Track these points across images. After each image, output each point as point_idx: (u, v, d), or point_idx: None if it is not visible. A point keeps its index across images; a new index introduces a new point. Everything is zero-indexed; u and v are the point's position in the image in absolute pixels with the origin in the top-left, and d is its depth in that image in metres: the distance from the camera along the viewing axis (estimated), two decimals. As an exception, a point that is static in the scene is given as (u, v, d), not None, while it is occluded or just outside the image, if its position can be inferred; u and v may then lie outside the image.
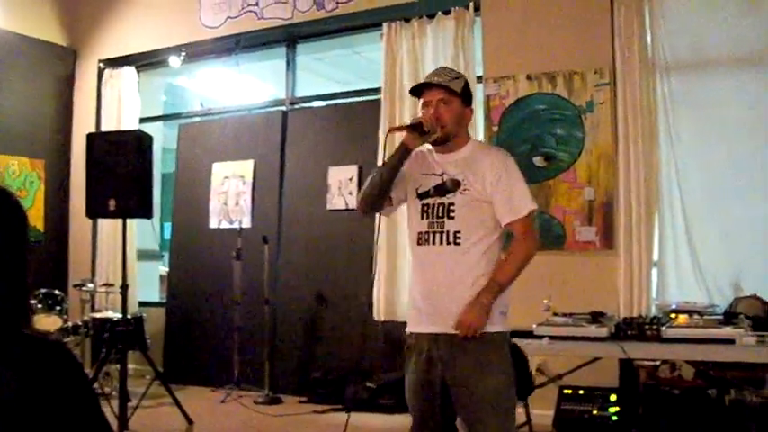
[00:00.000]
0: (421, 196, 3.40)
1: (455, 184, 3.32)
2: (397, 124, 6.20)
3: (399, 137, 3.38)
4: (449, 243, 3.29)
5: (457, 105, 3.36)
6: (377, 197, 3.43)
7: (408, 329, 3.38)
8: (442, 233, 3.31)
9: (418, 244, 3.37)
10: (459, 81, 3.41)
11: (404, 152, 3.34)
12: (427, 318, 3.28)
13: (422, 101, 3.41)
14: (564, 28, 6.27)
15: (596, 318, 4.71)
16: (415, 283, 3.40)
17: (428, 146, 3.41)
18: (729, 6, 5.85)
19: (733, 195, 5.77)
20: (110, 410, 5.54)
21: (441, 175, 3.37)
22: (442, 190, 3.35)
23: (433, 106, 3.35)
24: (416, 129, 3.30)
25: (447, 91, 3.36)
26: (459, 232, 3.28)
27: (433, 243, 3.32)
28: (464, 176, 3.32)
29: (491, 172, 3.30)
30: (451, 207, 3.30)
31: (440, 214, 3.33)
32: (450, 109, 3.35)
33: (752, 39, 5.79)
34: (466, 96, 3.43)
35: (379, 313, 6.83)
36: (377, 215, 3.74)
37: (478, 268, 3.26)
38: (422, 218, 3.36)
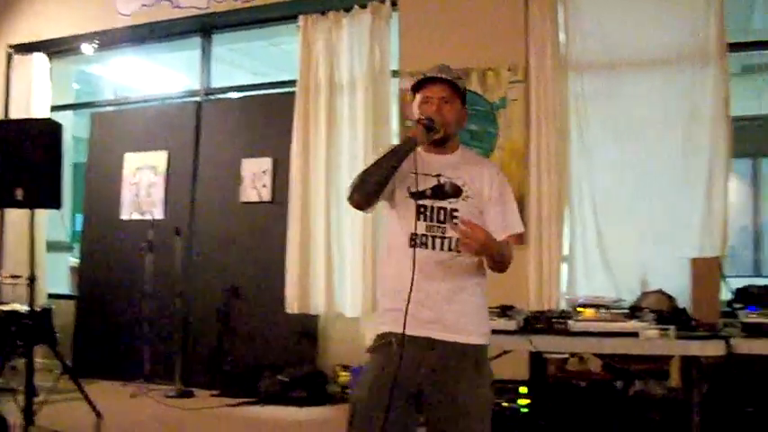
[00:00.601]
0: (415, 196, 3.25)
1: (456, 190, 3.23)
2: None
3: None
4: (450, 250, 3.18)
5: (458, 105, 3.26)
6: (374, 190, 3.22)
7: (386, 329, 3.17)
8: (443, 239, 3.19)
9: (411, 246, 3.19)
10: (460, 81, 3.29)
11: (412, 146, 3.19)
12: (421, 323, 3.09)
13: (420, 96, 3.27)
14: (479, 25, 6.34)
15: (505, 311, 4.77)
16: (402, 284, 3.12)
17: None
18: (639, 10, 5.99)
19: (641, 193, 5.91)
20: (16, 406, 5.41)
21: (436, 176, 3.25)
22: (440, 193, 3.24)
23: (435, 103, 3.22)
24: (429, 125, 3.18)
25: (452, 88, 3.25)
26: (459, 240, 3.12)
27: (433, 248, 3.19)
28: (464, 183, 3.23)
29: (490, 185, 3.23)
30: (455, 213, 3.19)
31: (441, 219, 3.21)
32: (453, 108, 3.24)
33: (660, 42, 5.95)
34: (464, 98, 3.31)
35: (291, 306, 6.81)
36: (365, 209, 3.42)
37: (476, 277, 3.20)
38: (418, 219, 3.21)
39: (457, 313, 3.14)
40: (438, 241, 3.19)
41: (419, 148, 3.23)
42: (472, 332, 3.17)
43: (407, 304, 3.07)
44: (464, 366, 3.11)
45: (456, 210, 3.19)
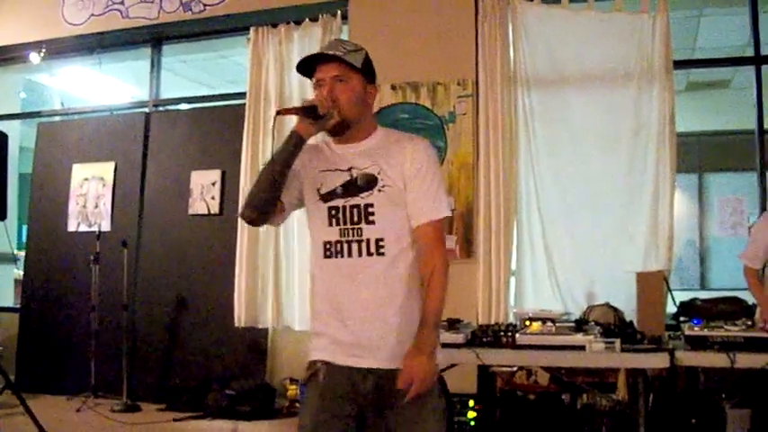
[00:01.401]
0: (325, 197, 2.80)
1: (369, 180, 2.74)
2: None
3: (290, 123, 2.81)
4: (370, 254, 2.71)
5: (357, 83, 2.76)
6: (265, 201, 2.79)
7: (315, 357, 2.76)
8: (360, 242, 2.72)
9: (326, 257, 2.77)
10: (358, 54, 2.79)
11: (297, 142, 2.74)
12: (348, 348, 2.70)
13: (314, 80, 2.79)
14: (429, 39, 6.38)
15: (453, 324, 4.78)
16: (323, 305, 2.79)
17: (323, 135, 2.84)
18: (587, 28, 6.08)
19: (588, 207, 5.99)
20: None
21: (348, 170, 2.78)
22: (352, 188, 2.76)
23: (327, 85, 2.75)
24: (310, 113, 2.72)
25: (344, 65, 2.75)
26: (382, 240, 2.71)
27: (349, 255, 2.73)
28: (379, 169, 2.75)
29: (411, 162, 2.75)
30: (370, 209, 2.73)
31: (355, 219, 2.73)
32: (349, 87, 2.75)
33: (607, 59, 6.05)
34: (368, 72, 2.81)
35: (240, 320, 6.77)
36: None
37: (407, 285, 2.71)
38: (330, 224, 2.76)
39: (385, 332, 2.68)
40: (355, 246, 2.72)
41: (328, 140, 2.87)
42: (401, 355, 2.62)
43: (330, 329, 2.73)
44: (402, 397, 2.58)
45: (371, 204, 2.73)
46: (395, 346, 2.66)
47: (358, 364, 2.68)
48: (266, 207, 2.82)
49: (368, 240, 2.71)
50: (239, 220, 6.81)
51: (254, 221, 2.87)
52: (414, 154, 2.76)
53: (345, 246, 2.73)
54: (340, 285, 2.74)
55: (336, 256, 2.75)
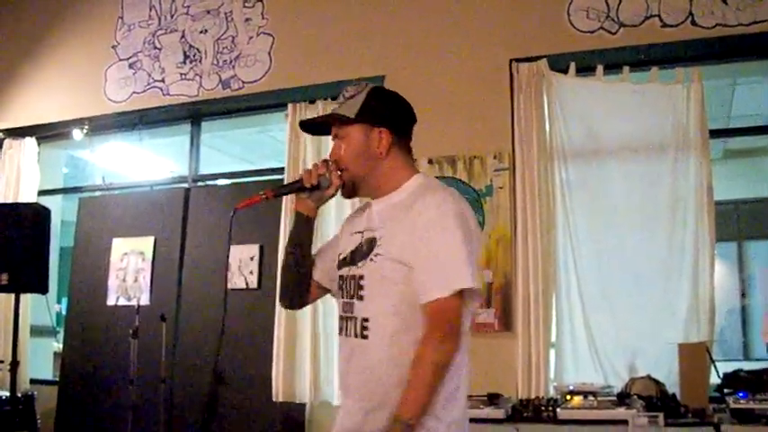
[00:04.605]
0: (339, 265, 2.58)
1: (371, 246, 2.43)
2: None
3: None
4: (356, 335, 2.41)
5: (356, 133, 2.51)
6: (293, 284, 2.65)
7: None
8: (351, 320, 2.45)
9: (339, 332, 2.55)
10: (355, 100, 2.52)
11: (298, 220, 2.60)
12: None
13: None
14: (465, 113, 6.43)
15: (493, 400, 4.76)
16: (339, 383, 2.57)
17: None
18: (621, 100, 6.09)
19: (627, 279, 5.93)
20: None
21: (362, 232, 2.51)
22: (357, 255, 2.49)
23: (334, 147, 2.59)
24: (298, 188, 2.56)
25: (339, 121, 2.54)
26: (366, 320, 2.38)
27: (346, 334, 2.48)
28: (381, 234, 2.42)
29: (419, 223, 2.33)
30: (361, 281, 2.41)
31: (351, 292, 2.45)
32: (346, 142, 2.53)
33: (642, 130, 6.05)
34: (370, 114, 2.50)
35: (278, 394, 6.73)
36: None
37: (388, 378, 2.32)
38: (340, 296, 2.54)
39: (378, 423, 2.30)
40: (351, 324, 2.44)
41: (369, 201, 2.57)
42: None
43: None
44: None
45: (362, 277, 2.41)
46: None
47: None
48: (296, 289, 2.66)
49: (355, 320, 2.42)
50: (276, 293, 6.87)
51: (291, 306, 2.77)
52: (421, 214, 2.33)
53: (344, 322, 2.49)
54: (342, 366, 2.53)
55: (341, 333, 2.52)
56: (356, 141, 2.49)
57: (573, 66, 6.20)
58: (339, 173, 2.51)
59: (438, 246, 2.26)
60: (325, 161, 2.55)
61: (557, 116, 6.22)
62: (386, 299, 2.34)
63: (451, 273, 2.24)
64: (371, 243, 2.41)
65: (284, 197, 5.86)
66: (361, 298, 2.40)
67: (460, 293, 2.25)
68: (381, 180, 2.50)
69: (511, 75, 6.35)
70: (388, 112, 2.54)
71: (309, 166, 2.61)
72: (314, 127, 2.69)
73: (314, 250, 2.79)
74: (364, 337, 2.37)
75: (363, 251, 2.43)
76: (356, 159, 2.48)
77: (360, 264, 2.43)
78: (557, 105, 6.22)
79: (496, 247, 6.14)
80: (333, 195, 2.57)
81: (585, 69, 6.21)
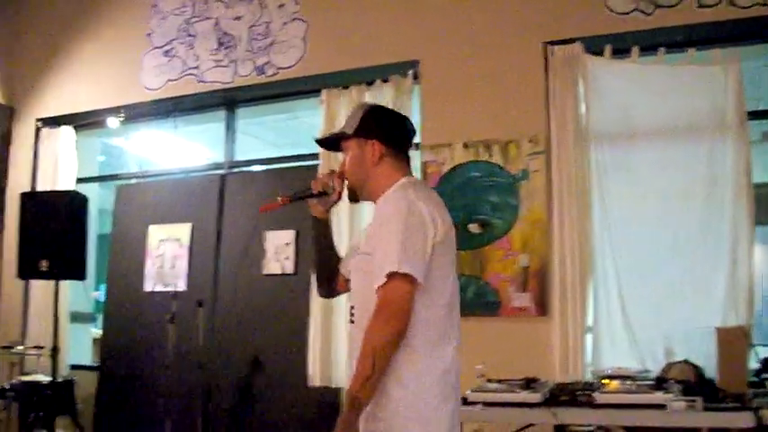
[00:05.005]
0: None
1: (360, 244, 2.89)
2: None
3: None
4: (350, 321, 2.82)
5: (354, 147, 2.87)
6: (323, 278, 3.03)
7: None
8: (349, 308, 2.85)
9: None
10: (353, 118, 2.93)
11: (315, 224, 3.00)
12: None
13: None
14: (500, 98, 6.40)
15: (529, 384, 4.74)
16: None
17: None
18: (658, 81, 6.02)
19: (664, 262, 5.87)
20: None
21: (366, 230, 2.92)
22: (355, 251, 2.92)
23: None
24: (309, 195, 2.95)
25: (342, 138, 2.94)
26: (353, 308, 2.80)
27: (349, 321, 2.85)
28: (368, 231, 2.83)
29: (374, 221, 2.77)
30: (352, 274, 2.87)
31: (349, 284, 2.90)
32: (348, 155, 2.90)
33: (679, 111, 5.98)
34: (364, 130, 2.87)
35: (314, 379, 6.76)
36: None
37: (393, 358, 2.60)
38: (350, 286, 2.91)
39: (372, 411, 2.62)
40: (348, 312, 2.84)
41: None
42: None
43: None
44: None
45: (350, 271, 2.87)
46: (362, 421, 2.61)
47: None
48: (325, 282, 3.04)
49: (350, 307, 2.81)
50: (311, 278, 6.86)
51: (325, 296, 3.16)
52: (377, 213, 2.75)
53: (348, 311, 2.85)
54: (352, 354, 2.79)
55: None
56: (354, 153, 2.86)
57: (608, 48, 6.14)
58: (343, 181, 2.91)
59: (378, 239, 2.62)
60: (332, 171, 3.00)
61: (592, 99, 6.16)
62: (363, 288, 2.69)
63: (385, 262, 2.55)
64: (361, 242, 2.84)
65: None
66: (349, 289, 2.85)
67: (404, 279, 2.53)
68: (375, 186, 2.83)
69: (545, 58, 6.31)
70: (380, 127, 2.87)
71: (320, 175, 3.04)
72: (328, 144, 3.10)
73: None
74: (352, 322, 2.77)
75: (357, 249, 2.85)
76: (354, 169, 2.86)
77: (354, 259, 2.84)
78: (592, 87, 6.16)
79: (532, 231, 6.11)
80: (336, 201, 2.97)
81: (621, 51, 6.15)
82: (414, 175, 2.97)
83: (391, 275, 2.53)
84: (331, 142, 3.05)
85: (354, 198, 2.92)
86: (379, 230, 2.64)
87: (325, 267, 2.98)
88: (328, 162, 6.92)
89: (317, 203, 2.96)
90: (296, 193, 3.02)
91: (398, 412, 2.58)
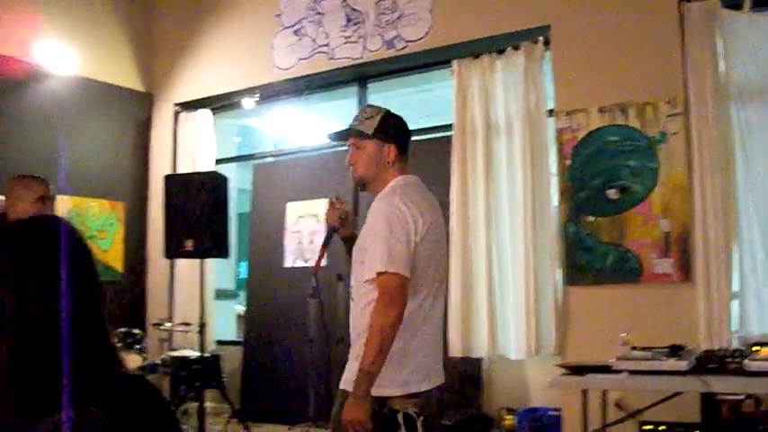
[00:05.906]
0: None
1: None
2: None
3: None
4: (351, 299, 3.28)
5: (371, 147, 3.28)
6: None
7: None
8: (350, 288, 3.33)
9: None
10: (372, 120, 3.31)
11: (348, 243, 3.45)
12: None
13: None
14: (634, 59, 6.22)
15: (676, 351, 4.61)
16: None
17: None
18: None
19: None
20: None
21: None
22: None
23: (350, 150, 3.35)
24: (333, 233, 3.52)
25: (357, 135, 3.32)
26: (351, 287, 3.29)
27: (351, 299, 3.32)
28: (363, 229, 3.28)
29: (367, 219, 3.20)
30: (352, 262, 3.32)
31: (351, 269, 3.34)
32: (364, 152, 3.29)
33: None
34: (383, 133, 3.30)
35: (455, 349, 6.75)
36: None
37: (360, 326, 3.13)
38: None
39: (351, 363, 3.16)
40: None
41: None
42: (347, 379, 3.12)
43: None
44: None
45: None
46: (349, 374, 3.11)
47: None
48: None
49: (350, 288, 3.30)
50: (452, 246, 6.84)
51: None
52: (369, 210, 3.20)
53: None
54: None
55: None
56: (371, 152, 3.28)
57: (747, 1, 5.88)
58: (354, 173, 3.34)
59: (370, 239, 3.11)
60: (331, 203, 3.59)
61: (732, 56, 5.92)
62: (358, 275, 3.19)
63: (375, 262, 3.04)
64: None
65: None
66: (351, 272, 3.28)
67: (394, 274, 3.03)
68: (382, 183, 3.28)
69: (681, 15, 6.08)
70: (396, 133, 3.35)
71: (326, 210, 3.68)
72: (334, 134, 3.53)
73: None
74: (352, 299, 3.24)
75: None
76: (369, 165, 3.29)
77: (354, 249, 3.32)
78: (731, 44, 5.92)
79: (673, 195, 5.94)
80: (363, 189, 3.40)
81: (761, 4, 5.88)
82: (408, 173, 3.40)
83: (381, 273, 3.03)
84: (341, 135, 3.46)
85: (362, 188, 3.38)
86: (371, 229, 3.13)
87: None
88: (462, 136, 6.91)
89: (341, 231, 3.49)
90: (324, 241, 3.54)
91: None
